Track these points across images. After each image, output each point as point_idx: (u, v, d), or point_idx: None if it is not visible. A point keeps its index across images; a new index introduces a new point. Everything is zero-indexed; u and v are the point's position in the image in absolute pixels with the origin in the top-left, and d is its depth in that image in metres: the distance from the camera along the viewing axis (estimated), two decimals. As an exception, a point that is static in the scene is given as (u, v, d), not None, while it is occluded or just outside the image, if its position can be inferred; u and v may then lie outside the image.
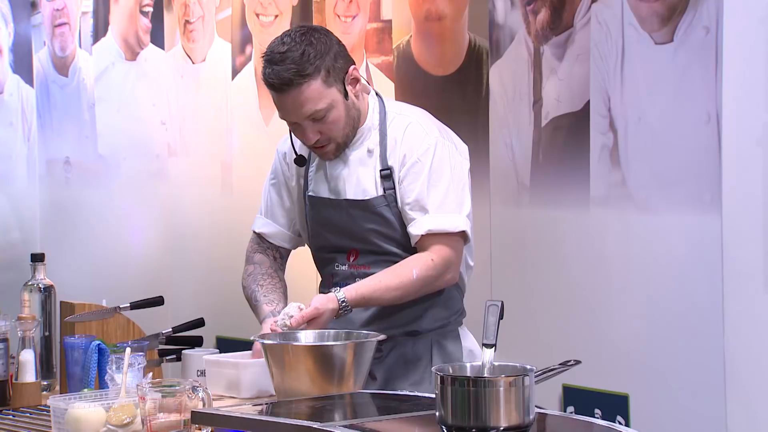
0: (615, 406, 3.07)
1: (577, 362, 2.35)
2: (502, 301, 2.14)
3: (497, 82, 3.43)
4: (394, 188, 2.70)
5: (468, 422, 1.96)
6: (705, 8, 2.84)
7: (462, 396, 1.97)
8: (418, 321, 2.74)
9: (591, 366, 2.93)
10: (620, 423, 3.04)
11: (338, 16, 3.95)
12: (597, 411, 3.12)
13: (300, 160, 2.82)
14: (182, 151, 4.62)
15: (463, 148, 2.79)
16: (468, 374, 2.06)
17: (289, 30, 2.73)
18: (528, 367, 2.03)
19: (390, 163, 2.70)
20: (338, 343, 2.48)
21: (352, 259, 2.73)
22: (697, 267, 2.87)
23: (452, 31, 3.56)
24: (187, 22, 4.56)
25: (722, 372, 2.79)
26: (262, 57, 2.70)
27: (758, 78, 2.72)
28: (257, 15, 4.28)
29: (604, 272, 3.11)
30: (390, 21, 3.78)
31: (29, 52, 5.36)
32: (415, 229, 2.67)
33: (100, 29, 4.98)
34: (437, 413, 2.01)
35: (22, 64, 5.39)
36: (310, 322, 2.57)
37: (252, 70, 4.31)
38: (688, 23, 2.89)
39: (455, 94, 3.57)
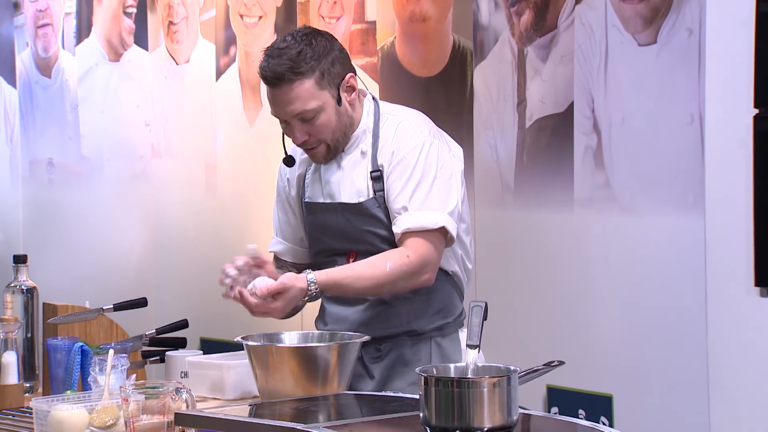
0: (599, 406, 3.08)
1: (561, 363, 2.36)
2: (486, 302, 2.14)
3: (481, 84, 3.43)
4: (384, 189, 2.70)
5: (452, 423, 1.96)
6: (688, 10, 2.85)
7: (446, 397, 1.97)
8: (416, 322, 2.72)
9: (575, 367, 2.94)
10: (604, 423, 3.05)
11: (322, 18, 3.95)
12: (581, 411, 3.12)
13: (288, 160, 2.83)
14: (166, 152, 4.61)
15: (458, 149, 2.78)
16: (452, 375, 2.06)
17: (295, 30, 2.75)
18: (512, 367, 2.03)
19: (380, 162, 2.71)
20: (322, 344, 2.48)
21: (351, 261, 2.72)
22: (681, 268, 2.88)
23: (436, 33, 3.57)
24: (170, 23, 4.55)
25: (705, 372, 2.79)
26: (263, 51, 2.72)
27: (741, 79, 2.73)
28: (241, 16, 4.27)
29: (588, 273, 3.12)
30: (374, 22, 3.78)
31: (12, 53, 5.34)
32: (396, 228, 2.67)
33: (83, 30, 4.96)
34: (421, 414, 2.01)
35: (5, 65, 5.37)
36: (276, 296, 2.56)
37: (236, 72, 4.30)
38: (671, 25, 2.90)
39: (439, 95, 3.58)
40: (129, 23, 4.74)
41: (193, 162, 4.48)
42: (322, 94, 2.66)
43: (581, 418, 3.02)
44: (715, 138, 2.79)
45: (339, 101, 2.68)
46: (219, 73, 4.37)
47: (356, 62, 3.81)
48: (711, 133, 2.80)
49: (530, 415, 2.19)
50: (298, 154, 2.83)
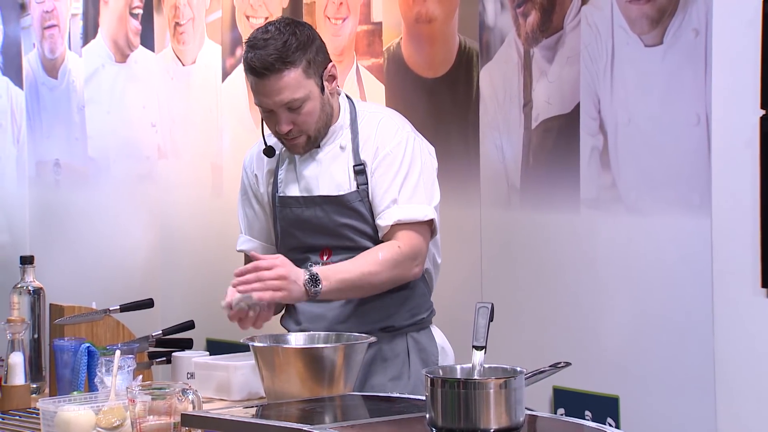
0: (605, 407, 3.07)
1: (568, 364, 2.36)
2: (492, 303, 2.14)
3: (487, 85, 3.43)
4: (367, 183, 2.72)
5: (458, 424, 1.96)
6: (694, 11, 2.85)
7: (452, 398, 1.97)
8: (393, 317, 2.76)
9: (581, 368, 2.93)
10: (610, 425, 3.04)
11: (328, 19, 3.96)
12: (587, 413, 3.12)
13: (269, 151, 2.84)
14: (172, 153, 4.62)
15: (432, 148, 2.83)
16: (458, 376, 2.06)
17: (273, 20, 2.78)
18: (518, 369, 2.03)
19: (362, 157, 2.74)
20: (328, 345, 2.48)
21: (325, 257, 2.75)
22: (687, 268, 2.87)
23: (442, 34, 3.57)
24: (177, 24, 4.55)
25: (712, 374, 2.79)
26: (245, 43, 2.74)
27: (747, 80, 2.72)
28: (247, 17, 4.28)
29: (595, 274, 3.11)
30: (380, 23, 3.78)
31: (18, 54, 5.35)
32: (384, 221, 2.69)
33: (89, 31, 4.97)
34: (427, 415, 2.01)
35: (12, 66, 5.38)
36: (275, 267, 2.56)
37: (242, 73, 4.30)
38: (677, 26, 2.90)
39: (445, 96, 3.58)
40: (135, 24, 4.74)
41: (199, 163, 4.49)
42: (308, 82, 2.69)
43: (588, 420, 3.02)
44: (721, 139, 2.79)
45: (322, 90, 2.72)
46: (225, 74, 4.37)
47: (362, 63, 3.82)
48: (717, 134, 2.79)
49: (536, 416, 2.19)
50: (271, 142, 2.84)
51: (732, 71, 2.77)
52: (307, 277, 2.59)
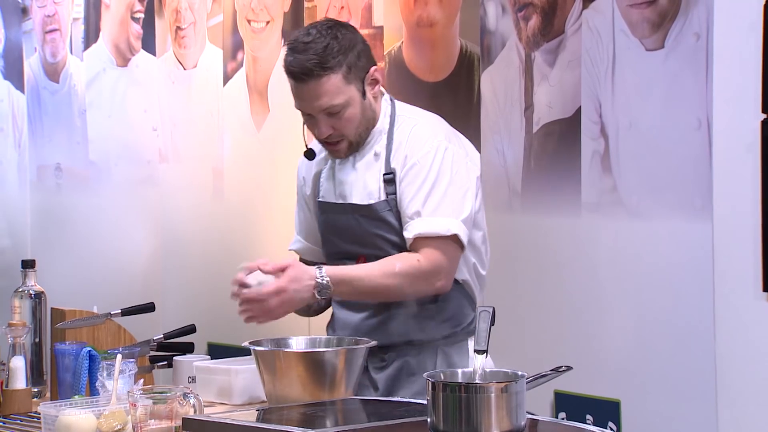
0: (606, 412, 3.07)
1: (569, 368, 2.36)
2: (494, 307, 2.14)
3: (488, 89, 3.43)
4: (396, 193, 2.66)
5: (459, 428, 1.96)
6: (695, 15, 2.85)
7: (453, 402, 1.97)
8: (422, 330, 2.68)
9: (582, 372, 2.93)
10: (612, 429, 3.04)
11: (330, 23, 3.95)
12: (588, 417, 3.12)
13: (309, 154, 2.79)
14: (173, 157, 4.62)
15: (475, 154, 2.75)
16: (459, 380, 2.06)
17: (315, 22, 2.72)
18: (519, 373, 2.03)
19: (393, 165, 2.68)
20: (329, 349, 2.48)
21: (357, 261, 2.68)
22: (688, 273, 2.87)
23: (443, 38, 3.57)
24: (178, 28, 4.55)
25: (713, 378, 2.79)
26: (286, 45, 2.69)
27: (749, 84, 2.72)
28: (249, 21, 4.28)
29: (596, 278, 3.11)
30: (381, 27, 3.79)
31: (20, 58, 5.35)
32: (407, 233, 2.64)
33: (91, 35, 4.97)
34: (429, 419, 2.01)
35: (13, 70, 5.38)
36: (283, 272, 2.54)
37: (243, 77, 4.31)
38: (678, 30, 2.90)
39: (446, 100, 3.58)
40: (137, 28, 4.75)
41: (200, 167, 4.49)
42: (348, 88, 2.64)
43: (589, 424, 3.02)
44: (722, 143, 2.79)
45: (364, 95, 2.66)
46: (226, 78, 4.38)
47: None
48: (719, 138, 2.79)
49: (538, 420, 2.19)
50: (317, 151, 2.80)
51: (733, 75, 2.77)
52: (318, 283, 2.56)
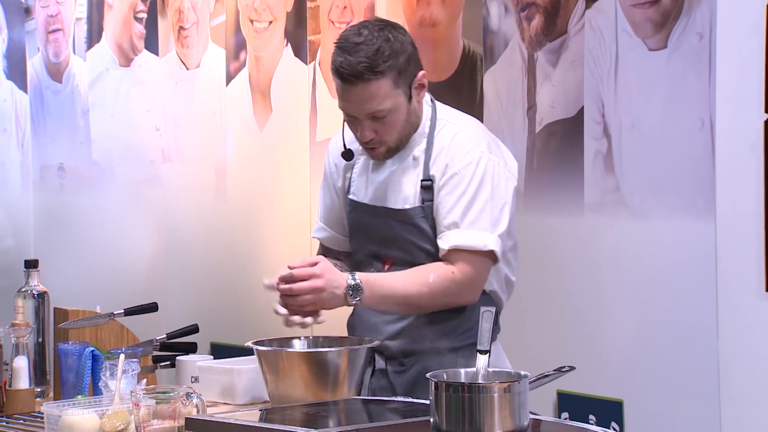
0: (609, 412, 3.07)
1: (572, 368, 2.36)
2: (496, 308, 2.14)
3: (491, 88, 3.43)
4: (433, 200, 2.60)
5: (462, 428, 1.96)
6: (698, 15, 2.85)
7: (456, 402, 1.97)
8: (445, 338, 2.62)
9: (585, 372, 2.93)
10: (614, 429, 3.04)
11: (332, 22, 3.96)
12: (591, 417, 3.12)
13: (347, 154, 2.70)
14: (176, 157, 4.62)
15: (513, 164, 2.68)
16: (462, 380, 2.06)
17: (366, 21, 2.64)
18: (522, 373, 2.03)
19: (432, 172, 2.60)
20: (332, 349, 2.48)
21: (386, 267, 2.62)
22: (691, 273, 2.87)
23: (446, 37, 3.57)
24: (181, 28, 4.56)
25: (716, 378, 2.79)
26: (335, 43, 2.59)
27: (751, 84, 2.72)
28: (251, 21, 4.28)
29: (598, 278, 3.11)
30: (384, 27, 3.78)
31: (23, 58, 5.36)
32: (443, 243, 2.56)
33: (94, 35, 4.98)
34: (431, 419, 2.01)
35: (16, 70, 5.39)
36: (314, 266, 2.47)
37: (246, 76, 4.31)
38: (681, 30, 2.90)
39: (449, 100, 3.55)
40: (140, 28, 4.75)
41: (203, 167, 4.49)
42: (396, 93, 2.56)
43: (592, 424, 3.02)
44: (725, 143, 2.79)
45: (410, 99, 2.59)
46: (229, 78, 4.38)
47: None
48: (721, 138, 2.79)
49: (540, 420, 2.19)
50: (349, 141, 2.71)
51: (736, 75, 2.77)
52: (350, 285, 2.49)
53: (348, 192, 2.72)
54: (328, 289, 2.49)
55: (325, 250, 2.80)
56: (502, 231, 2.59)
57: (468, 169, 2.57)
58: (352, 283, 2.50)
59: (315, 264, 2.50)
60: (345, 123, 2.66)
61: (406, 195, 2.62)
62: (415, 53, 2.61)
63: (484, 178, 2.58)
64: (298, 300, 2.48)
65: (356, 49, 2.53)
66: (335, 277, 2.50)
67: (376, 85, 2.53)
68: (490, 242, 2.56)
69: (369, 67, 2.52)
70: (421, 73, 2.61)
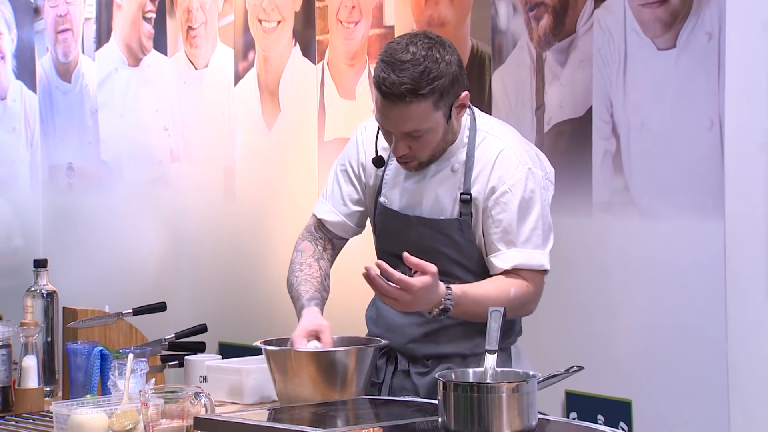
0: (618, 412, 3.07)
1: (580, 368, 2.35)
2: (505, 308, 2.14)
3: (500, 88, 3.43)
4: (471, 214, 2.56)
5: (470, 428, 1.96)
6: (707, 14, 2.84)
7: (465, 402, 1.97)
8: (472, 342, 2.59)
9: (594, 372, 2.93)
10: (623, 429, 3.04)
11: (341, 22, 3.96)
12: (600, 417, 3.11)
13: (378, 161, 2.64)
14: (185, 156, 4.63)
15: (551, 171, 2.65)
16: (471, 380, 2.06)
17: (416, 35, 2.55)
18: (531, 373, 2.03)
19: (474, 188, 2.56)
20: (340, 349, 2.48)
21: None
22: (700, 273, 2.87)
23: (455, 37, 3.56)
24: (189, 28, 4.56)
25: (725, 378, 2.78)
26: (380, 56, 2.54)
27: (761, 84, 2.72)
28: (260, 21, 4.28)
29: (607, 278, 3.11)
30: (392, 27, 3.78)
31: (32, 58, 5.37)
32: (500, 262, 2.54)
33: (103, 35, 4.98)
34: (440, 419, 2.01)
35: (25, 70, 5.40)
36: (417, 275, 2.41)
37: (255, 76, 4.31)
38: (690, 29, 2.89)
39: (458, 99, 3.58)
40: (148, 28, 4.76)
41: (211, 166, 4.49)
42: (436, 114, 2.50)
43: (600, 424, 3.02)
44: (734, 143, 2.78)
45: (449, 119, 2.53)
46: (237, 77, 4.38)
47: (374, 67, 3.82)
48: (730, 138, 2.79)
49: (549, 420, 2.19)
50: (381, 147, 2.65)
51: (745, 75, 2.76)
52: (440, 308, 2.45)
53: (379, 194, 2.67)
54: (413, 304, 2.44)
55: (317, 233, 2.74)
56: (551, 247, 2.59)
57: (518, 187, 2.54)
58: (442, 306, 2.45)
59: (426, 273, 2.42)
60: (379, 131, 2.61)
61: (443, 206, 2.58)
62: (460, 73, 2.53)
63: (534, 194, 2.55)
64: (392, 294, 2.42)
65: (402, 67, 2.47)
66: (432, 295, 2.43)
67: (416, 107, 2.47)
68: (546, 261, 2.56)
69: (412, 90, 2.46)
70: (464, 94, 2.54)
